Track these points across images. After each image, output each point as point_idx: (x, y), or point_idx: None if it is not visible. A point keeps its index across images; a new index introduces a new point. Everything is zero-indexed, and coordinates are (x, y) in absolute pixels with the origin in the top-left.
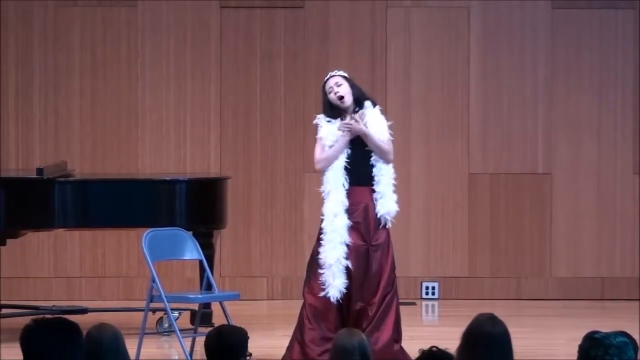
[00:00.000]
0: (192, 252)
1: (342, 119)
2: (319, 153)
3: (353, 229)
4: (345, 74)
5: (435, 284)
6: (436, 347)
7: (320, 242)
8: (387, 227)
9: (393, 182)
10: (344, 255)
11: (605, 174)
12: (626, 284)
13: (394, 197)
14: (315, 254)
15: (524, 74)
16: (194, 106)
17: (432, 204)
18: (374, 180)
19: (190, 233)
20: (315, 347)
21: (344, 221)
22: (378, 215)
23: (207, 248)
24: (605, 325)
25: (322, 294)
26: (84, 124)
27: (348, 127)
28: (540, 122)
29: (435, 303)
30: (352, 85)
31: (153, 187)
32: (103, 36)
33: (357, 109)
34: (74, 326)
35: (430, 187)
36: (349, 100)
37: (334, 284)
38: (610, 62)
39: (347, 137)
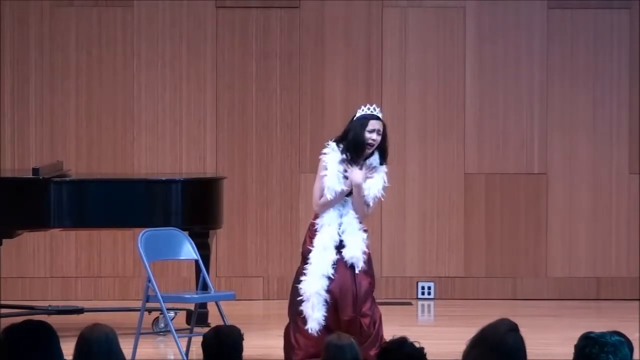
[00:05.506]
0: (188, 252)
1: (351, 163)
2: (317, 195)
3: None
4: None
5: (431, 284)
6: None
7: (304, 271)
8: (359, 270)
9: (359, 225)
10: (325, 287)
11: (601, 174)
12: (621, 284)
13: (363, 237)
14: (298, 276)
15: (520, 73)
16: (189, 106)
17: (427, 204)
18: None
19: (186, 233)
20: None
21: (331, 256)
22: (345, 259)
23: (203, 248)
24: (601, 325)
25: (305, 327)
26: (80, 124)
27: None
28: (535, 122)
29: (431, 303)
30: (383, 137)
31: (149, 187)
32: (99, 36)
33: (375, 158)
34: (44, 325)
35: (426, 187)
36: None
37: (314, 316)
38: (605, 62)
39: (346, 190)
